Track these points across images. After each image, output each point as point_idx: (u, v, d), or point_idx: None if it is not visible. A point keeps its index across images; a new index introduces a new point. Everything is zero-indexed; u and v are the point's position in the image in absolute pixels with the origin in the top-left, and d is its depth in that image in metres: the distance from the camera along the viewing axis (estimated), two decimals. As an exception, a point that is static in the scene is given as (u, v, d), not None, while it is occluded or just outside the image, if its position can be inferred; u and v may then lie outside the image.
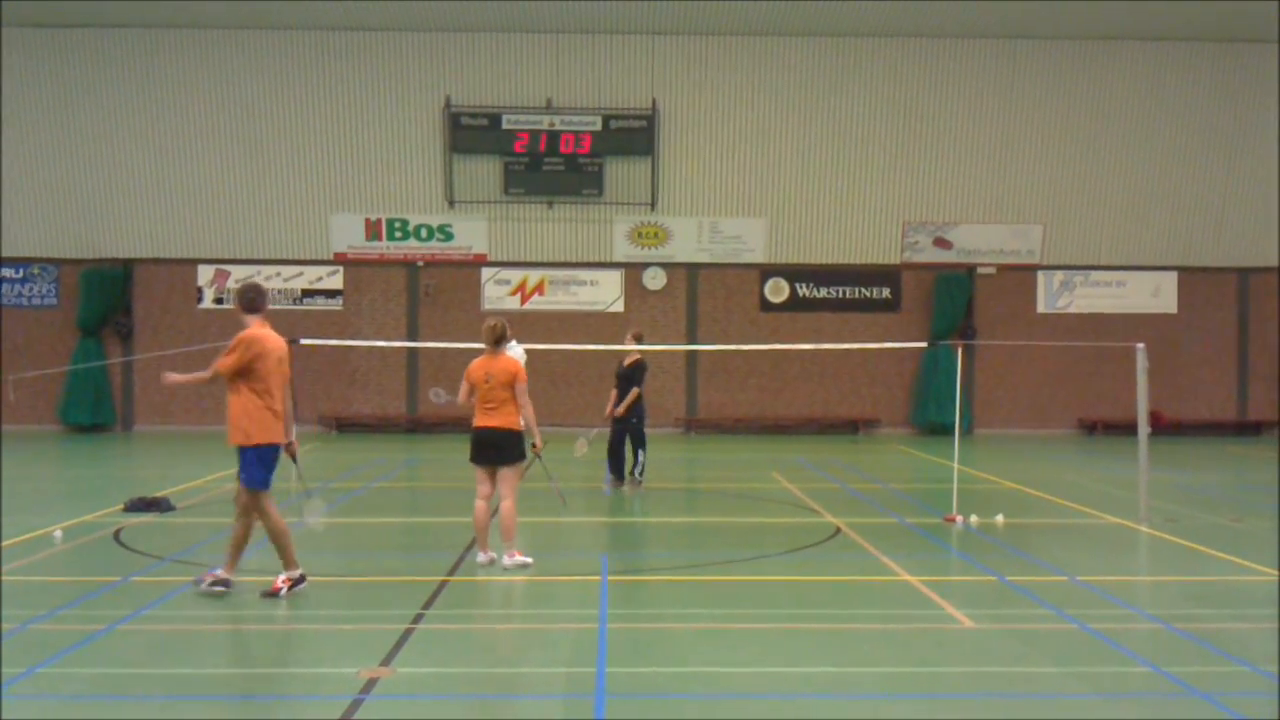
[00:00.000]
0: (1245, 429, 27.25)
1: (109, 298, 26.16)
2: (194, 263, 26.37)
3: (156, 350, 24.51)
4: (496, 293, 26.71)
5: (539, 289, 26.73)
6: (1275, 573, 10.33)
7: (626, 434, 15.85)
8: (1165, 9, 25.05)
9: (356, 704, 6.54)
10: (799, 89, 26.31)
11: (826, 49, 26.25)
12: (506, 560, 10.34)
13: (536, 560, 10.46)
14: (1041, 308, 27.27)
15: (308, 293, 26.63)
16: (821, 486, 16.71)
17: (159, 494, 14.34)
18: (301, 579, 9.27)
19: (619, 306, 26.73)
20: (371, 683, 6.92)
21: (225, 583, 9.17)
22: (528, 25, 25.77)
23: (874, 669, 7.40)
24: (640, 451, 15.89)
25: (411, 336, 26.46)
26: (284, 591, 9.11)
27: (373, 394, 26.78)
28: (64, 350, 25.97)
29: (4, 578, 9.70)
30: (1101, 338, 26.02)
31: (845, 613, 8.96)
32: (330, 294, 26.68)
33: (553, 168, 26.12)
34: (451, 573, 10.27)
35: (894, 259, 27.01)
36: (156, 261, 26.32)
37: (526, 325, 23.75)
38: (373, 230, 26.55)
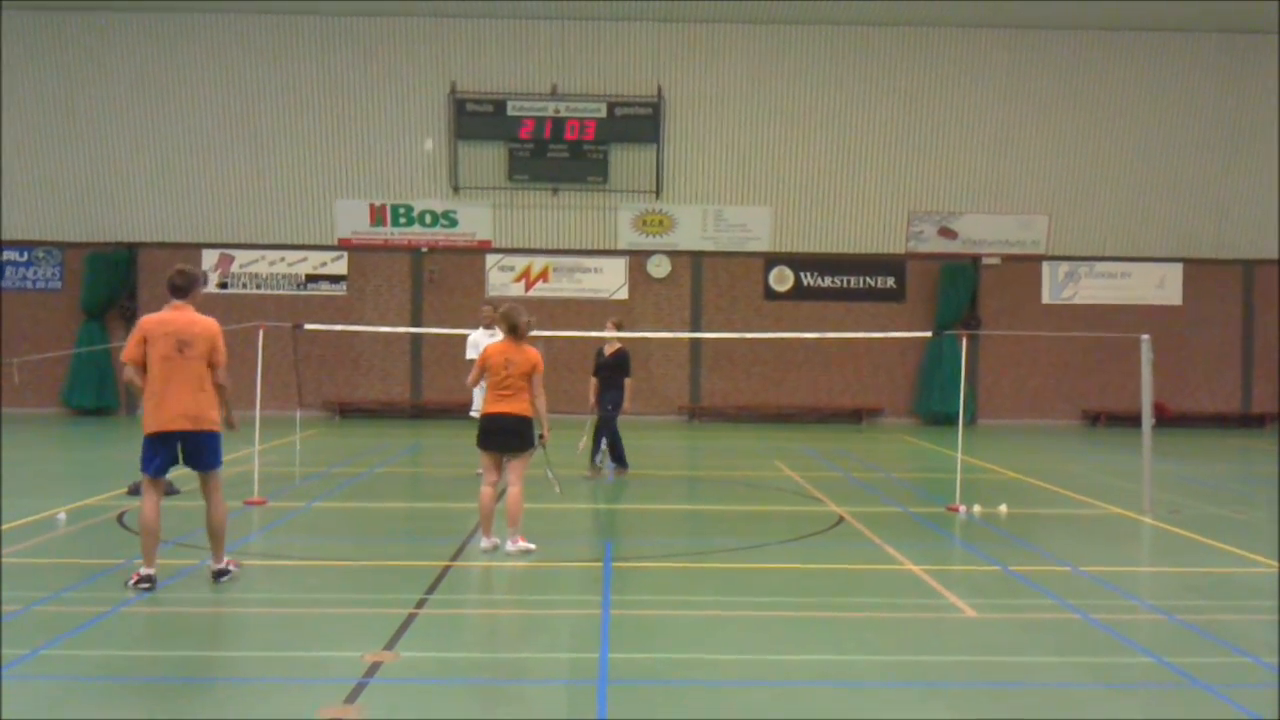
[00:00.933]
0: (1249, 422, 27.22)
1: (113, 281, 26.17)
2: (198, 247, 26.35)
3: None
4: (500, 279, 26.69)
5: (543, 276, 26.71)
6: (1278, 565, 10.34)
7: (613, 420, 15.89)
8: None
9: (360, 688, 6.55)
10: (805, 78, 26.25)
11: (833, 38, 26.19)
12: (510, 546, 10.34)
13: (540, 546, 10.47)
14: (1046, 298, 27.25)
15: (312, 278, 26.63)
16: (825, 475, 16.72)
17: (163, 477, 14.33)
18: (152, 581, 8.70)
19: (623, 294, 26.71)
20: (375, 666, 6.93)
21: (224, 572, 9.12)
22: (533, 11, 25.73)
23: (876, 657, 7.41)
24: (604, 440, 15.89)
25: (415, 322, 26.49)
26: (129, 584, 8.68)
27: (376, 379, 26.80)
28: (68, 334, 25.99)
29: (7, 560, 9.72)
30: (1106, 329, 25.97)
31: (848, 601, 8.96)
32: (334, 279, 26.68)
33: (557, 154, 26.09)
34: (455, 558, 10.28)
35: (899, 249, 26.98)
36: (161, 245, 26.29)
37: (530, 312, 23.65)
38: (377, 216, 26.54)
